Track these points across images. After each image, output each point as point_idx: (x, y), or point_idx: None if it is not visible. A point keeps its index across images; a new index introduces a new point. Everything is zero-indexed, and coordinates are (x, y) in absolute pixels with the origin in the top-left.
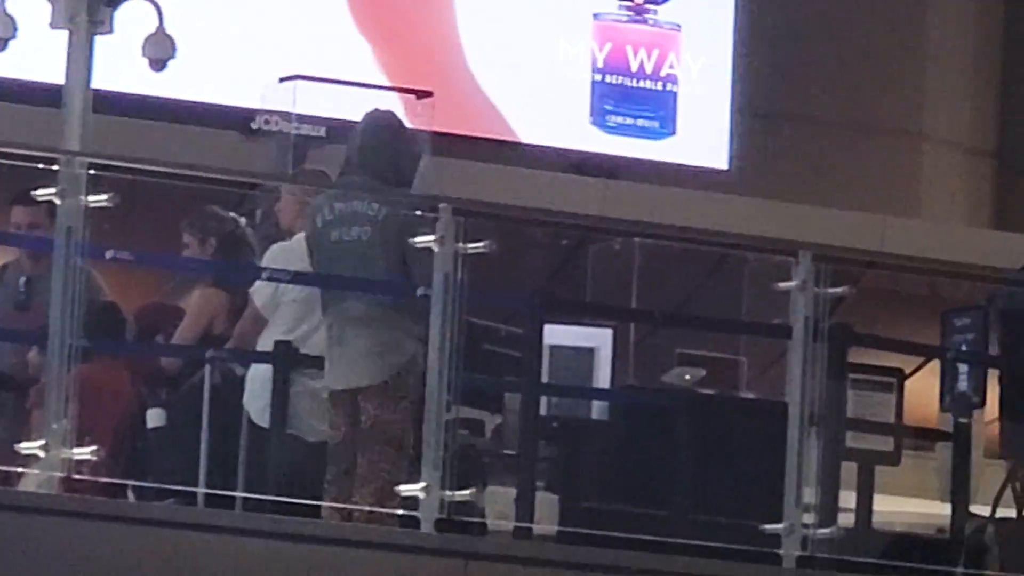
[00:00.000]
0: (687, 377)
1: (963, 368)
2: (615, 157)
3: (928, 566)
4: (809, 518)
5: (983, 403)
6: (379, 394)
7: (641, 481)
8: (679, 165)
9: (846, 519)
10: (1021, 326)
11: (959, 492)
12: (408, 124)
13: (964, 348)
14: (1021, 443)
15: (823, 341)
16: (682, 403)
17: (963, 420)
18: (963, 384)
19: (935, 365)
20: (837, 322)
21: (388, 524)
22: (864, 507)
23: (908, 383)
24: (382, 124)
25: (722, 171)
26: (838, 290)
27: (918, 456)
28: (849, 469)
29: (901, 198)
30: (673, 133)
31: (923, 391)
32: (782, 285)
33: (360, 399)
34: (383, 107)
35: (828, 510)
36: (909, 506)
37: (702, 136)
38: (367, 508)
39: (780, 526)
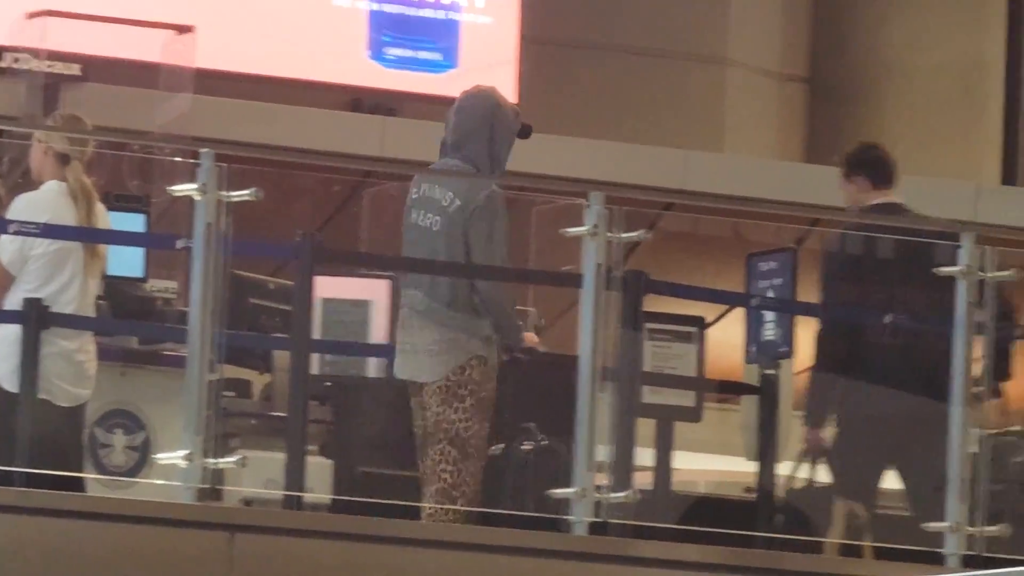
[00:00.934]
0: None
1: (770, 315)
2: (395, 92)
3: (733, 530)
4: (603, 481)
5: (791, 352)
6: (440, 392)
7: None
8: None
9: (645, 481)
10: (849, 275)
11: (766, 449)
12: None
13: (771, 294)
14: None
15: (617, 289)
16: None
17: (770, 371)
18: (770, 332)
19: (741, 312)
20: (631, 269)
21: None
22: (663, 468)
23: (711, 332)
24: (478, 107)
25: None
26: (633, 235)
27: (724, 410)
28: (648, 427)
29: (705, 131)
30: (456, 65)
31: (727, 340)
32: (571, 231)
33: (424, 395)
34: (484, 84)
35: (623, 473)
36: (714, 464)
37: (487, 68)
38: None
39: (570, 491)
